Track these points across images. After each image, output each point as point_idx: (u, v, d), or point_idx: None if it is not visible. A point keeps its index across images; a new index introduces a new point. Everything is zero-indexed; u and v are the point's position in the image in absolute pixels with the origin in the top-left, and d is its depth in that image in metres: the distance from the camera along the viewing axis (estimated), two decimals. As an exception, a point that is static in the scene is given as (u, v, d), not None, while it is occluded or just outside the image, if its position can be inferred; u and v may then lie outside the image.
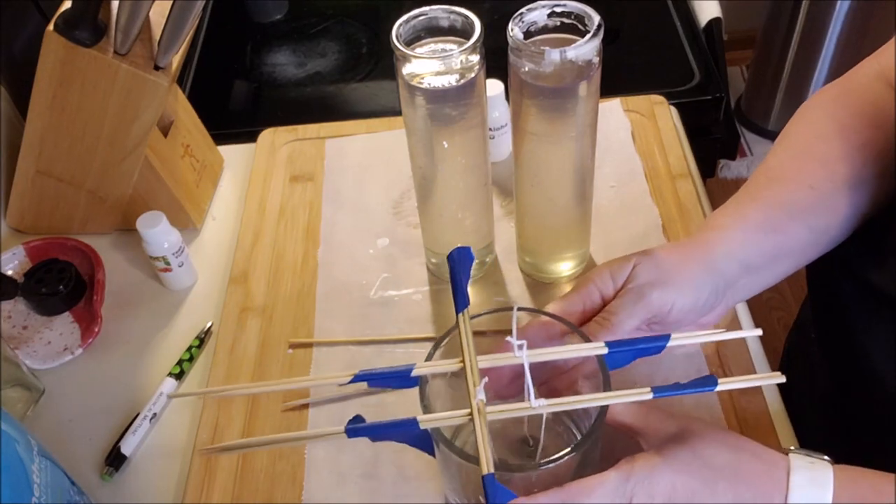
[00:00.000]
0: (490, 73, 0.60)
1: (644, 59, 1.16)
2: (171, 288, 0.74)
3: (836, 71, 1.86)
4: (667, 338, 0.47)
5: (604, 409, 0.47)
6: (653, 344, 0.48)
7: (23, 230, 0.80)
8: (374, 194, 0.80)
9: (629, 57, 1.14)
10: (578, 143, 0.59)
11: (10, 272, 0.75)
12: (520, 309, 0.49)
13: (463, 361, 0.46)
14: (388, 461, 0.59)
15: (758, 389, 0.61)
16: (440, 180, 0.63)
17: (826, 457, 0.47)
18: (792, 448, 0.48)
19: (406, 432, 0.46)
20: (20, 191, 0.76)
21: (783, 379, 0.45)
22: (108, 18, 0.66)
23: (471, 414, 0.44)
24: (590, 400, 0.46)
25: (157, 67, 0.67)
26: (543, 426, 0.50)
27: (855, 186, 0.54)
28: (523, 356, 0.45)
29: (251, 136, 0.87)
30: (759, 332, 0.49)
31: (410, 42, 0.57)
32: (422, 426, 0.45)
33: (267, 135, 0.87)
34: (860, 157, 0.54)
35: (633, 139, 0.82)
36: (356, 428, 0.45)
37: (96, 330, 0.70)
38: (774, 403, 0.60)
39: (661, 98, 0.86)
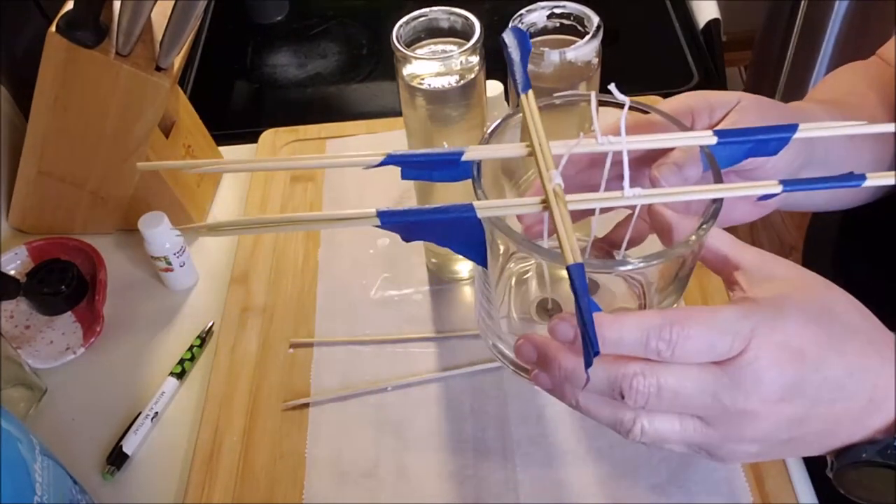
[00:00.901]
0: (490, 73, 0.60)
1: (643, 60, 1.16)
2: (173, 288, 0.75)
3: (835, 72, 1.87)
4: (793, 128, 0.37)
5: (718, 205, 0.37)
6: (774, 135, 0.37)
7: (25, 230, 0.80)
8: (374, 194, 0.80)
9: (628, 58, 1.14)
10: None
11: (12, 272, 0.75)
12: (601, 99, 0.39)
13: (531, 145, 0.37)
14: (389, 461, 0.60)
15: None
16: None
17: None
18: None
19: (454, 224, 0.36)
20: (22, 191, 0.77)
21: None
22: (109, 20, 0.66)
23: (545, 201, 0.35)
24: (700, 191, 0.37)
25: (158, 68, 0.67)
26: (632, 226, 0.40)
27: None
28: (622, 137, 0.36)
29: (252, 137, 0.88)
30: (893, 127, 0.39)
31: (411, 43, 0.57)
32: (479, 214, 0.35)
33: (268, 135, 0.87)
34: None
35: (632, 140, 0.82)
36: (393, 212, 0.35)
37: (98, 329, 0.70)
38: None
39: (660, 99, 0.86)
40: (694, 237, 0.37)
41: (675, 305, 0.41)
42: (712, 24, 1.19)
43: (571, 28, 0.55)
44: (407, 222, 0.36)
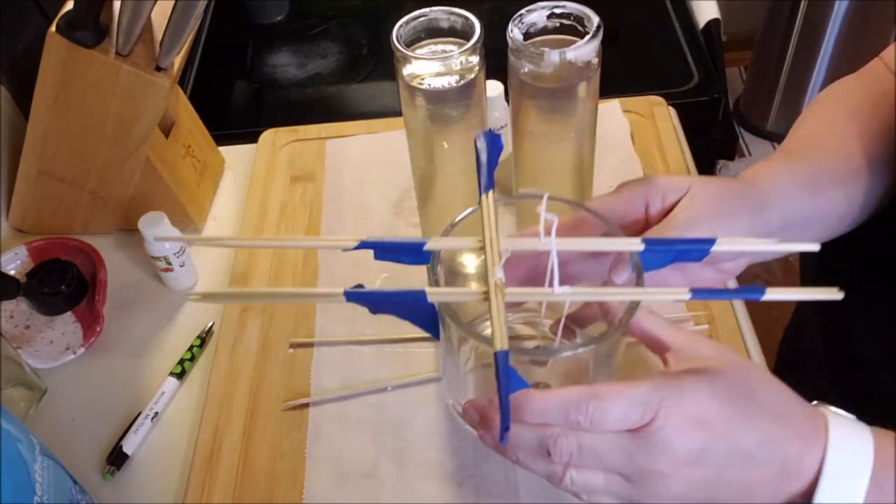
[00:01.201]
0: (490, 73, 0.60)
1: (643, 60, 1.16)
2: (173, 288, 0.75)
3: (835, 72, 1.87)
4: (712, 241, 0.43)
5: (634, 305, 0.43)
6: (696, 246, 0.43)
7: (25, 230, 0.80)
8: (374, 194, 0.80)
9: (628, 58, 1.14)
10: (578, 144, 0.59)
11: (12, 272, 0.75)
12: (551, 198, 0.44)
13: (483, 240, 0.43)
14: (389, 461, 0.60)
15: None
16: (440, 180, 0.63)
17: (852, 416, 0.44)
18: (816, 402, 0.44)
19: (410, 305, 0.42)
20: (22, 191, 0.77)
21: (840, 296, 0.41)
22: (109, 20, 0.66)
23: (486, 292, 0.41)
24: (619, 293, 0.43)
25: (158, 68, 0.67)
26: (564, 319, 0.46)
27: (885, 164, 0.54)
28: (553, 242, 0.41)
29: (252, 137, 0.88)
30: (817, 246, 0.44)
31: (411, 43, 0.57)
32: (430, 299, 0.41)
33: (268, 135, 0.87)
34: (887, 137, 0.54)
35: (632, 140, 0.82)
36: (357, 293, 0.41)
37: (98, 329, 0.70)
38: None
39: (660, 99, 0.86)
40: (595, 343, 0.43)
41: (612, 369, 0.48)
42: (712, 24, 1.19)
43: (571, 28, 0.55)
44: (370, 301, 0.42)
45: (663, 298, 0.43)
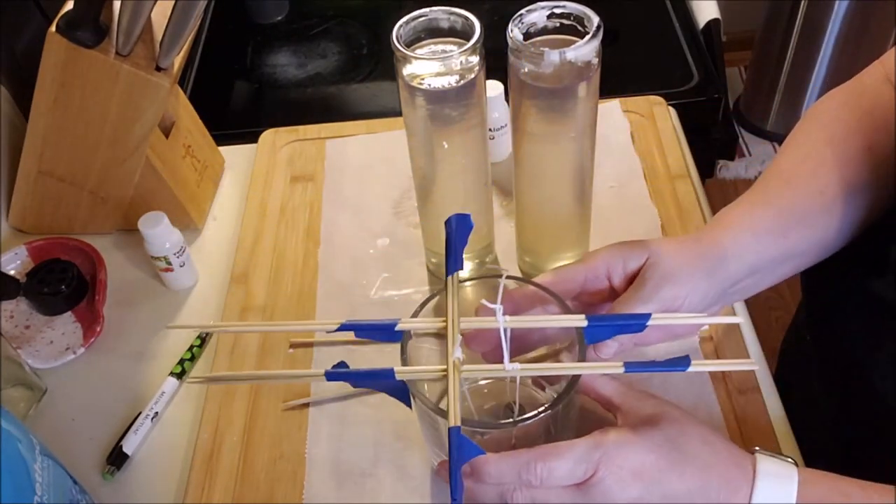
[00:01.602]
0: (490, 73, 0.60)
1: (643, 60, 1.16)
2: (173, 288, 0.75)
3: (835, 72, 1.87)
4: (647, 317, 0.48)
5: (575, 378, 0.48)
6: (633, 322, 0.49)
7: (25, 230, 0.80)
8: (374, 194, 0.80)
9: (628, 58, 1.15)
10: (578, 144, 0.59)
11: (12, 272, 0.75)
12: (508, 277, 0.50)
13: (446, 321, 0.48)
14: (388, 461, 0.60)
15: (756, 390, 0.61)
16: (440, 180, 0.63)
17: (791, 458, 0.48)
18: (757, 448, 0.49)
19: (384, 382, 0.48)
20: (22, 191, 0.77)
21: (757, 366, 0.48)
22: (109, 20, 0.66)
23: (446, 370, 0.46)
24: (562, 368, 0.49)
25: (158, 68, 0.67)
26: (518, 390, 0.52)
27: (862, 189, 0.55)
28: (501, 321, 0.47)
29: (252, 137, 0.88)
30: (741, 319, 0.51)
31: (411, 43, 0.57)
32: (398, 377, 0.47)
33: (268, 135, 0.87)
34: (868, 159, 0.55)
35: (632, 140, 0.82)
36: (335, 373, 0.47)
37: (98, 329, 0.70)
38: (774, 408, 0.61)
39: (659, 99, 0.86)
40: (556, 405, 0.48)
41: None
42: (712, 24, 1.19)
43: (571, 28, 0.55)
44: (348, 379, 0.48)
45: (601, 371, 0.49)
